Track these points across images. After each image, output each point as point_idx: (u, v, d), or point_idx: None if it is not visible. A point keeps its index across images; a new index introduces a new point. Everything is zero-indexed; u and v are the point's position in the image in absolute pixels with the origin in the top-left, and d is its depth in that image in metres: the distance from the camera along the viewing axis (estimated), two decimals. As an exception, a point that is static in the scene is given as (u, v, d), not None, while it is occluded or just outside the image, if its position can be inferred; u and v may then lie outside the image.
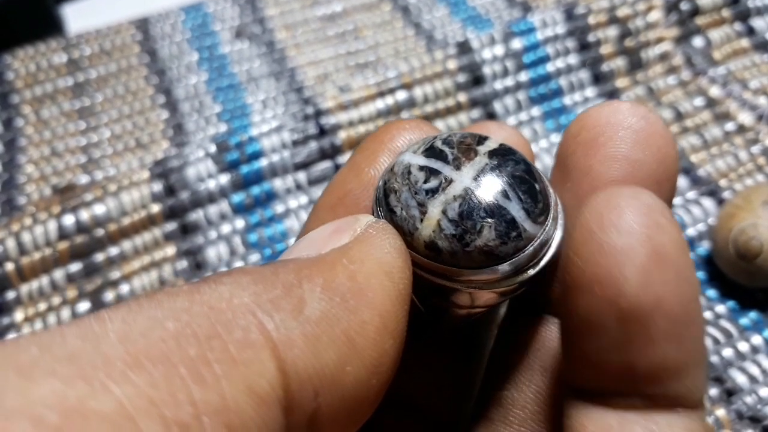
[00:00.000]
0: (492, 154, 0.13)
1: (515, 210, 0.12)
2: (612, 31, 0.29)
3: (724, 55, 0.30)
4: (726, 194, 0.25)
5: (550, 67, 0.28)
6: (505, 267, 0.13)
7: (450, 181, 0.13)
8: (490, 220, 0.12)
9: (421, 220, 0.12)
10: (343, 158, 0.27)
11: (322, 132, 0.27)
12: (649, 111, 0.14)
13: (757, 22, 0.31)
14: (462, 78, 0.27)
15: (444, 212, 0.12)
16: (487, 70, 0.28)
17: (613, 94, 0.28)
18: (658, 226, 0.12)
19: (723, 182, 0.26)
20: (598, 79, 0.29)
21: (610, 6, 0.29)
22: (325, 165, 0.27)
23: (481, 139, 0.13)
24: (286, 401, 0.10)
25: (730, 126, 0.27)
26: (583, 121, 0.14)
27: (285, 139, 0.26)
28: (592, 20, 0.29)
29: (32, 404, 0.08)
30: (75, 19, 0.35)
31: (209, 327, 0.10)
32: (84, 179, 0.28)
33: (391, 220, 0.13)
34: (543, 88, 0.28)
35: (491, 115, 0.28)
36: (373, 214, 0.14)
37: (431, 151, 0.13)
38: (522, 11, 0.33)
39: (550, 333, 0.15)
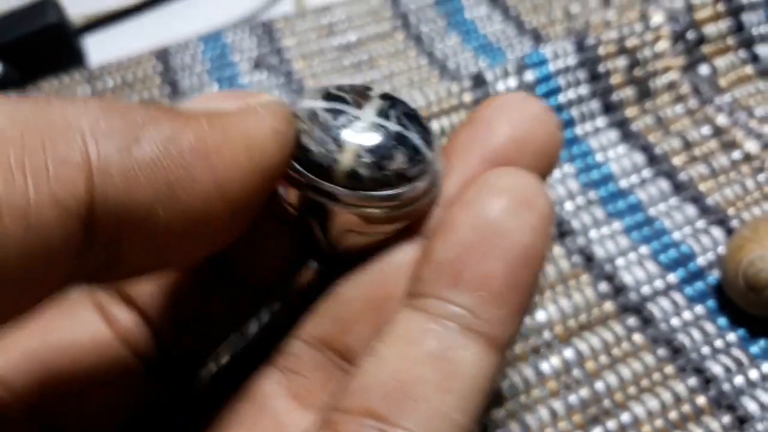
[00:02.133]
0: (383, 97, 0.15)
1: (416, 139, 0.14)
2: (621, 62, 0.30)
3: (729, 82, 0.31)
4: (734, 223, 0.26)
5: (561, 98, 0.29)
6: (417, 184, 0.15)
7: (357, 118, 0.14)
8: (399, 146, 0.14)
9: (340, 153, 0.14)
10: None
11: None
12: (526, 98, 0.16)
13: (761, 49, 0.32)
14: (477, 111, 0.28)
15: (359, 143, 0.14)
16: (501, 103, 0.29)
17: (623, 123, 0.29)
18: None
19: (731, 211, 0.27)
20: (608, 108, 0.30)
21: (619, 36, 0.30)
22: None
23: (368, 88, 0.15)
24: (88, 220, 0.11)
25: (736, 154, 0.28)
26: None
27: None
28: (602, 51, 0.30)
29: None
30: (96, 49, 0.36)
31: (38, 138, 0.11)
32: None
33: (306, 159, 0.14)
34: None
35: (506, 146, 0.29)
36: None
37: (330, 97, 0.14)
38: (532, 39, 0.34)
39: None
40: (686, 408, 0.23)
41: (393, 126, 0.14)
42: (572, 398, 0.23)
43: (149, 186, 0.12)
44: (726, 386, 0.23)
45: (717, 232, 0.26)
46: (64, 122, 0.11)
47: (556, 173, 0.28)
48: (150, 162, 0.12)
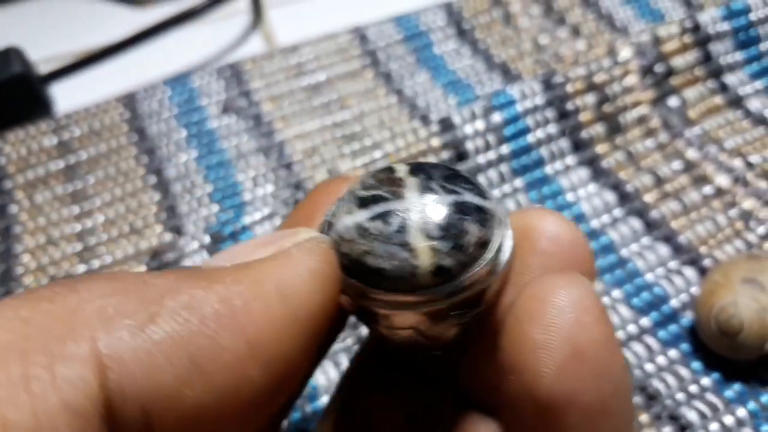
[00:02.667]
0: (413, 172, 0.13)
1: (470, 197, 0.13)
2: (590, 98, 0.30)
3: (699, 113, 0.31)
4: (707, 262, 0.26)
5: (530, 137, 0.29)
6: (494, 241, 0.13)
7: (408, 210, 0.13)
8: (465, 216, 0.13)
9: (416, 257, 0.13)
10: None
11: (313, 216, 0.27)
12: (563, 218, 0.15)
13: (729, 78, 0.32)
14: (446, 155, 0.28)
15: (428, 236, 0.13)
16: (469, 146, 0.28)
17: (593, 161, 0.29)
18: (579, 324, 0.13)
19: (703, 249, 0.27)
20: (578, 146, 0.29)
21: (587, 73, 0.30)
22: (316, 247, 0.27)
23: (390, 169, 0.14)
24: (108, 417, 0.10)
25: (707, 189, 0.28)
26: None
27: (276, 225, 0.27)
28: (570, 88, 0.30)
29: None
30: (63, 95, 0.35)
31: (42, 341, 0.10)
32: (81, 269, 0.29)
33: (381, 279, 0.13)
34: (525, 158, 0.29)
35: (476, 189, 0.28)
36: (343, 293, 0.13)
37: (365, 201, 0.13)
38: (501, 74, 0.34)
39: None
40: (660, 461, 0.22)
41: (445, 198, 0.13)
42: (547, 452, 0.23)
43: (170, 365, 0.11)
44: (702, 434, 0.23)
45: (689, 272, 0.26)
46: (69, 315, 0.10)
47: (528, 215, 0.28)
48: (168, 339, 0.11)
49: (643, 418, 0.23)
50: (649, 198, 0.28)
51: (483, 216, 0.13)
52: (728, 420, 0.23)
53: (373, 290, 0.13)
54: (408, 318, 0.13)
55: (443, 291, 0.13)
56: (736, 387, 0.24)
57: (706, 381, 0.24)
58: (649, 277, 0.26)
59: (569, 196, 0.28)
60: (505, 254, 0.14)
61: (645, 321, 0.25)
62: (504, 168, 0.29)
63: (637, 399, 0.23)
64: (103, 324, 0.10)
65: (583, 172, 0.29)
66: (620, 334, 0.25)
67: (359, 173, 0.28)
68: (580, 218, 0.28)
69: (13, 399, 0.09)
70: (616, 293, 0.26)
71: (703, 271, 0.26)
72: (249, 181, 0.31)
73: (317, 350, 0.13)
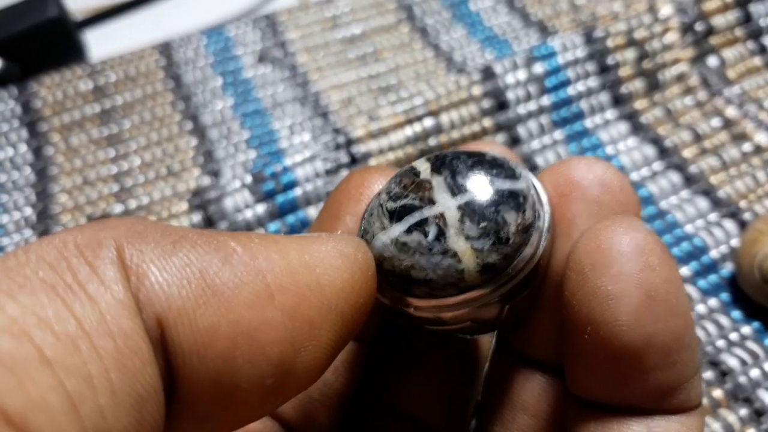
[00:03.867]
0: (434, 169, 0.13)
1: (500, 183, 0.13)
2: (630, 54, 0.30)
3: (738, 74, 0.31)
4: (746, 216, 0.26)
5: (571, 90, 0.29)
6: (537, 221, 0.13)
7: (441, 215, 0.13)
8: (499, 206, 0.13)
9: (460, 261, 0.12)
10: (374, 185, 0.27)
11: (354, 160, 0.27)
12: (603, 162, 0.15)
13: (769, 41, 0.32)
14: (487, 104, 0.28)
15: (467, 237, 0.12)
16: (510, 95, 0.28)
17: (632, 116, 0.29)
18: (649, 268, 0.13)
19: (743, 204, 0.27)
20: (617, 101, 0.29)
21: (627, 29, 0.30)
22: (356, 192, 0.27)
23: (413, 170, 0.13)
24: (154, 340, 0.10)
25: (747, 146, 0.28)
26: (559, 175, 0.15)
27: (318, 169, 0.27)
28: (610, 43, 0.30)
29: None
30: (97, 44, 0.35)
31: (75, 254, 0.10)
32: (118, 208, 0.29)
33: (432, 288, 0.13)
34: (565, 111, 0.29)
35: (515, 140, 0.28)
36: (392, 306, 0.13)
37: (397, 214, 0.13)
38: (538, 31, 0.34)
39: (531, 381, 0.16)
40: (703, 401, 0.22)
41: (474, 191, 0.13)
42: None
43: (185, 283, 0.11)
44: (742, 379, 0.23)
45: (729, 224, 0.26)
46: (98, 230, 0.11)
47: (567, 166, 0.28)
48: (185, 259, 0.11)
49: (684, 363, 0.23)
50: (687, 153, 0.28)
51: (517, 200, 0.13)
52: (769, 367, 0.23)
53: (423, 300, 0.13)
54: (459, 315, 0.13)
55: (493, 285, 0.13)
56: (777, 336, 0.24)
57: (746, 329, 0.24)
58: (688, 228, 0.26)
59: (609, 149, 0.28)
60: (545, 227, 0.13)
61: (685, 270, 0.25)
62: (544, 119, 0.29)
63: (678, 345, 0.24)
64: (129, 238, 0.11)
65: (623, 127, 0.29)
66: (660, 283, 0.25)
67: (388, 159, 0.28)
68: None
69: (76, 300, 0.10)
70: (657, 243, 0.26)
71: (743, 225, 0.26)
72: (285, 129, 0.31)
73: (340, 337, 0.12)
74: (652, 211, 0.27)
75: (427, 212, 0.13)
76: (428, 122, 0.28)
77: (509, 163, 0.13)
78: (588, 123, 0.29)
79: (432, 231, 0.12)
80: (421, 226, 0.13)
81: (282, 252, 0.12)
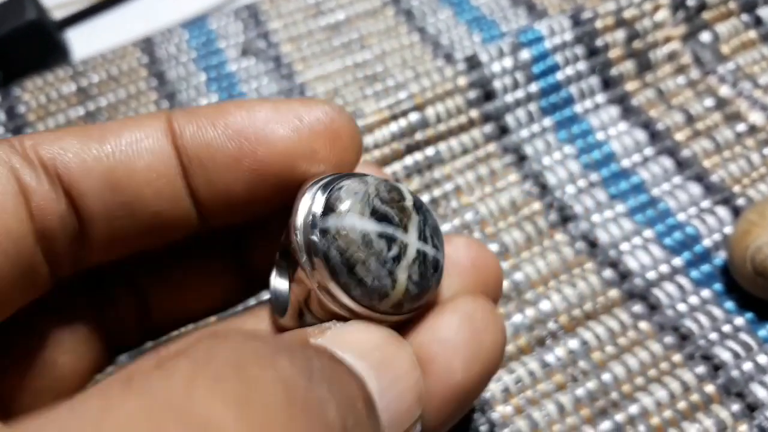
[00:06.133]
0: (415, 209, 0.15)
1: (440, 256, 0.15)
2: (620, 34, 0.29)
3: (732, 49, 0.30)
4: (740, 201, 0.26)
5: (559, 75, 0.28)
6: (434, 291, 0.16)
7: (405, 246, 0.14)
8: (435, 273, 0.15)
9: (393, 288, 0.14)
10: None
11: (339, 160, 0.27)
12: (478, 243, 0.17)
13: (764, 12, 0.30)
14: (473, 94, 0.28)
15: (409, 277, 0.14)
16: (497, 84, 0.28)
17: (623, 99, 0.29)
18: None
19: (737, 188, 0.26)
20: (607, 84, 0.29)
21: (616, 8, 0.29)
22: (343, 191, 0.27)
23: (399, 192, 0.15)
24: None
25: (741, 127, 0.28)
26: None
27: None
28: (599, 24, 0.29)
29: None
30: (80, 42, 0.35)
31: None
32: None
33: (356, 286, 0.14)
34: (554, 97, 0.28)
35: (503, 129, 0.28)
36: (307, 269, 0.14)
37: (378, 215, 0.14)
38: (526, 10, 0.33)
39: None
40: (695, 397, 0.22)
41: (431, 251, 0.15)
42: (579, 391, 0.23)
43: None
44: (735, 373, 0.23)
45: (722, 211, 0.26)
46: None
47: (557, 155, 0.28)
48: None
49: (676, 358, 0.23)
50: (680, 136, 0.28)
51: (440, 273, 0.15)
52: (762, 359, 0.23)
53: (338, 289, 0.14)
54: (344, 317, 0.15)
55: (392, 316, 0.15)
56: (770, 326, 0.24)
57: (739, 321, 0.24)
58: (681, 216, 0.26)
59: (599, 135, 0.28)
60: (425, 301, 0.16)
61: (677, 261, 0.25)
62: (533, 107, 0.28)
63: (670, 339, 0.23)
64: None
65: (613, 111, 0.28)
66: (652, 275, 0.25)
67: (374, 156, 0.27)
68: (610, 157, 0.27)
69: None
70: (648, 233, 0.25)
71: (736, 211, 0.26)
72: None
73: None
74: (644, 198, 0.26)
75: (399, 235, 0.14)
76: (414, 117, 0.27)
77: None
78: (578, 108, 0.28)
79: (394, 251, 0.14)
80: (389, 240, 0.14)
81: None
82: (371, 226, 0.14)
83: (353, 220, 0.14)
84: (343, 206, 0.14)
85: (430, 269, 0.15)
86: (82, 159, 0.15)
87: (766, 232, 0.23)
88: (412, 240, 0.14)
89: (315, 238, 0.14)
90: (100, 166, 0.15)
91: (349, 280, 0.14)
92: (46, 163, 0.14)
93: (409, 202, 0.15)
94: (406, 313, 0.15)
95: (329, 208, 0.14)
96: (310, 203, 0.14)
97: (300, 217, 0.14)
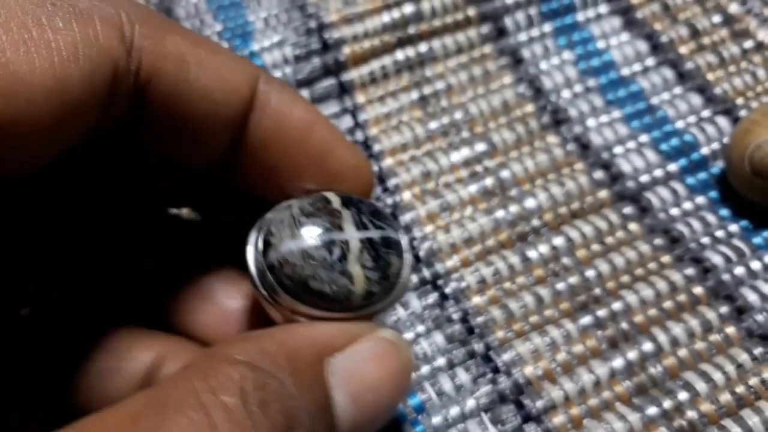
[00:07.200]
0: (344, 204, 0.16)
1: (391, 233, 0.16)
2: (628, -56, 0.28)
3: (744, -30, 0.29)
4: (742, 113, 0.25)
5: (562, -19, 0.27)
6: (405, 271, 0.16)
7: (346, 242, 0.15)
8: (389, 250, 0.15)
9: (353, 283, 0.15)
10: (348, 75, 0.26)
11: (326, 47, 0.26)
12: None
13: (780, -63, 0.29)
14: (472, -8, 0.26)
15: (363, 266, 0.15)
16: (497, -16, 0.27)
17: (627, 11, 0.27)
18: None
19: (740, 101, 0.25)
20: (612, -6, 0.28)
21: None
22: (328, 82, 0.26)
23: (324, 199, 0.16)
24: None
25: (748, 44, 0.26)
26: None
27: (287, 54, 0.26)
28: (607, -68, 0.28)
29: None
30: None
31: None
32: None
33: (320, 300, 0.15)
34: (555, 3, 0.27)
35: (501, 31, 0.27)
36: (274, 306, 0.15)
37: (309, 231, 0.15)
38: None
39: None
40: (682, 297, 0.21)
41: (375, 234, 0.15)
42: (560, 285, 0.21)
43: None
44: (725, 276, 0.21)
45: (723, 121, 0.25)
46: None
47: (555, 60, 0.26)
48: None
49: (665, 259, 0.22)
50: (684, 49, 0.26)
51: (399, 249, 0.16)
52: (755, 265, 0.22)
53: (309, 308, 0.15)
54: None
55: (368, 310, 0.15)
56: (765, 234, 0.22)
57: (733, 227, 0.23)
58: (679, 124, 0.25)
59: (600, 44, 0.27)
60: (408, 273, 0.16)
61: (672, 166, 0.24)
62: (533, 11, 0.27)
63: (660, 240, 0.22)
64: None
65: (616, 21, 0.27)
66: (645, 178, 0.23)
67: (363, 47, 0.26)
68: (609, 65, 0.26)
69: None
70: (643, 138, 0.24)
71: (737, 121, 0.24)
72: (260, 22, 0.29)
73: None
74: (642, 106, 0.25)
75: (335, 236, 0.15)
76: (408, 8, 0.26)
77: (393, 220, 0.17)
78: (579, 17, 0.27)
79: (336, 252, 0.15)
80: (328, 245, 0.15)
81: None
82: (306, 242, 0.15)
83: (288, 245, 0.15)
84: (275, 238, 0.15)
85: (382, 249, 0.15)
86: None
87: (767, 130, 0.21)
88: (350, 234, 0.15)
89: (268, 276, 0.15)
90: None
91: (311, 296, 0.15)
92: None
93: (336, 204, 0.16)
94: (390, 293, 0.16)
95: (266, 245, 0.15)
96: (254, 248, 0.15)
97: (252, 265, 0.15)
